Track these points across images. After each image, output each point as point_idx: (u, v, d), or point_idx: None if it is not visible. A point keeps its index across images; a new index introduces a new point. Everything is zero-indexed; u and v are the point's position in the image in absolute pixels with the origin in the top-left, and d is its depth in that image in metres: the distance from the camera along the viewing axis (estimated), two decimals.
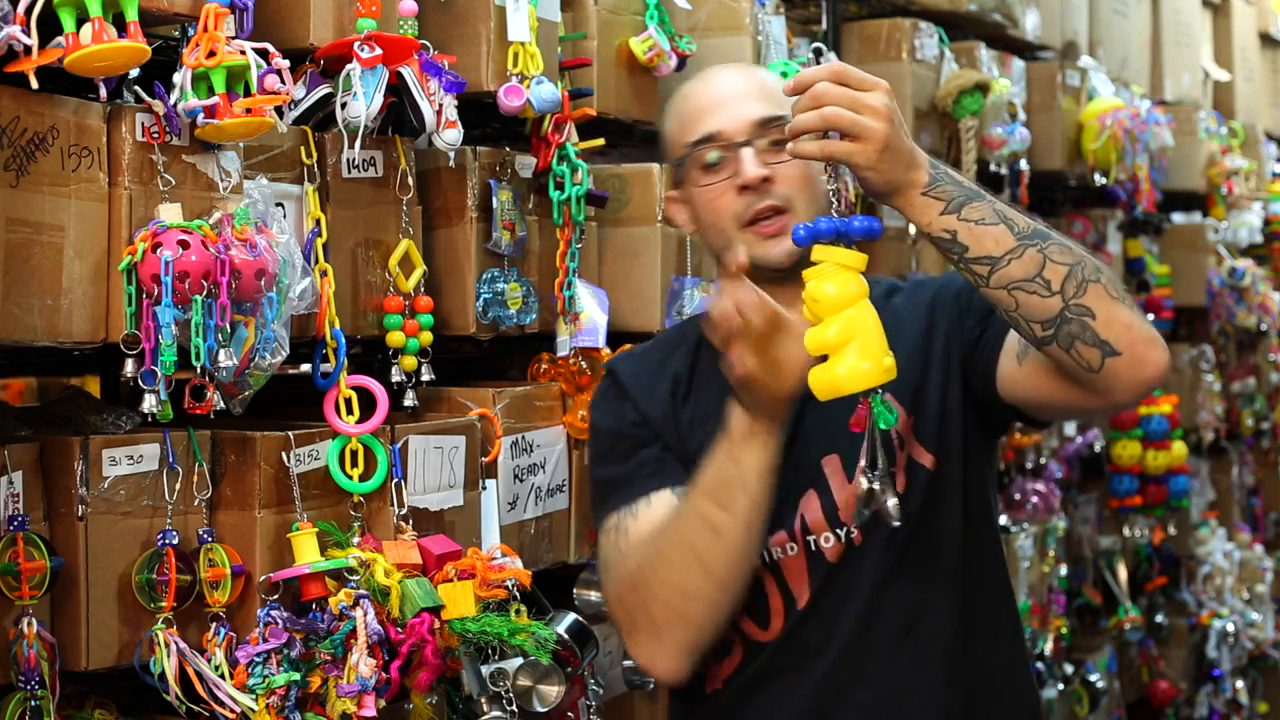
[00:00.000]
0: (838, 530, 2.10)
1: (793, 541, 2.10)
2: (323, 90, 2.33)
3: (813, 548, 2.10)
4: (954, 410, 2.13)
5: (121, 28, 1.91)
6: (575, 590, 2.81)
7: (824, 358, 1.84)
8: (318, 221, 2.29)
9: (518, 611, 2.27)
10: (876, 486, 1.91)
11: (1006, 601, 2.22)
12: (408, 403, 2.47)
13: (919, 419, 2.11)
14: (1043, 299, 1.89)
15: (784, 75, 3.20)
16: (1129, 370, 1.91)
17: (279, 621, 2.10)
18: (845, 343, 1.83)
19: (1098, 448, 4.82)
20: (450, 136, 2.38)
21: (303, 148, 2.29)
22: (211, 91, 2.04)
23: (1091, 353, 1.90)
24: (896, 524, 1.93)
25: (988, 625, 2.16)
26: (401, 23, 2.39)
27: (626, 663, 2.81)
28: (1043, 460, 4.41)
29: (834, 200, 1.90)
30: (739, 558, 2.01)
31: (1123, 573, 5.00)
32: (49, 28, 1.89)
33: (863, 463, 1.91)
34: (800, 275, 1.89)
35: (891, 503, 1.91)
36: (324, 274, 2.29)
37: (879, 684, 2.09)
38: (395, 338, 2.42)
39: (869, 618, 2.09)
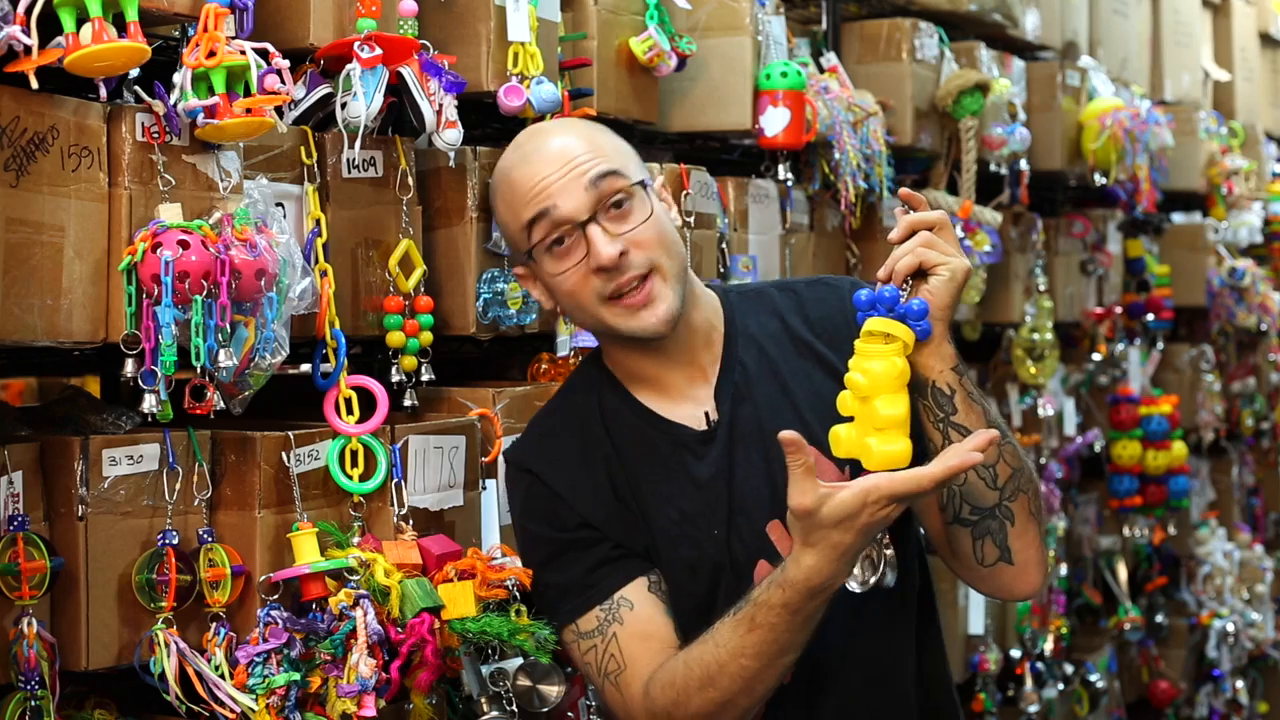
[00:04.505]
0: None
1: None
2: (323, 90, 2.33)
3: None
4: None
5: (121, 28, 1.91)
6: None
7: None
8: (318, 221, 2.29)
9: (518, 611, 2.27)
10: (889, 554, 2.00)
11: (935, 619, 2.21)
12: (408, 403, 2.47)
13: (854, 466, 2.00)
14: (986, 489, 1.97)
15: (783, 75, 3.21)
16: (1009, 581, 2.03)
17: (279, 621, 2.10)
18: (892, 424, 1.87)
19: (1098, 448, 4.81)
20: (450, 136, 2.38)
21: (303, 148, 2.29)
22: (211, 91, 2.04)
23: (992, 553, 2.00)
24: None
25: (931, 644, 2.18)
26: (401, 23, 2.39)
27: None
28: (1043, 460, 4.40)
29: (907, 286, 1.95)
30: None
31: (1123, 573, 5.00)
32: (49, 28, 1.89)
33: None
34: (670, 337, 1.99)
35: (891, 577, 2.02)
36: (324, 274, 2.28)
37: None
38: (395, 338, 2.41)
39: (850, 673, 2.08)
